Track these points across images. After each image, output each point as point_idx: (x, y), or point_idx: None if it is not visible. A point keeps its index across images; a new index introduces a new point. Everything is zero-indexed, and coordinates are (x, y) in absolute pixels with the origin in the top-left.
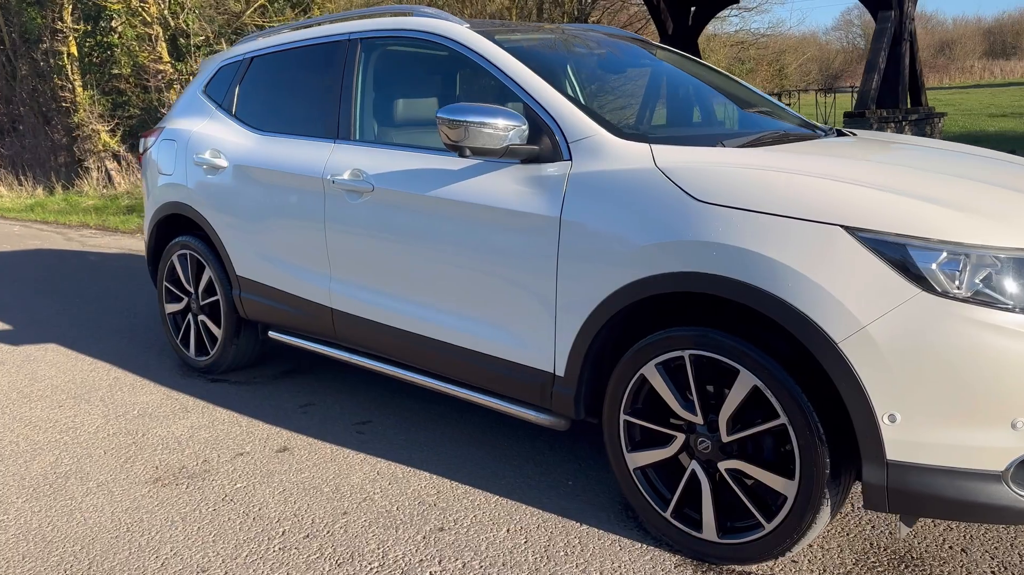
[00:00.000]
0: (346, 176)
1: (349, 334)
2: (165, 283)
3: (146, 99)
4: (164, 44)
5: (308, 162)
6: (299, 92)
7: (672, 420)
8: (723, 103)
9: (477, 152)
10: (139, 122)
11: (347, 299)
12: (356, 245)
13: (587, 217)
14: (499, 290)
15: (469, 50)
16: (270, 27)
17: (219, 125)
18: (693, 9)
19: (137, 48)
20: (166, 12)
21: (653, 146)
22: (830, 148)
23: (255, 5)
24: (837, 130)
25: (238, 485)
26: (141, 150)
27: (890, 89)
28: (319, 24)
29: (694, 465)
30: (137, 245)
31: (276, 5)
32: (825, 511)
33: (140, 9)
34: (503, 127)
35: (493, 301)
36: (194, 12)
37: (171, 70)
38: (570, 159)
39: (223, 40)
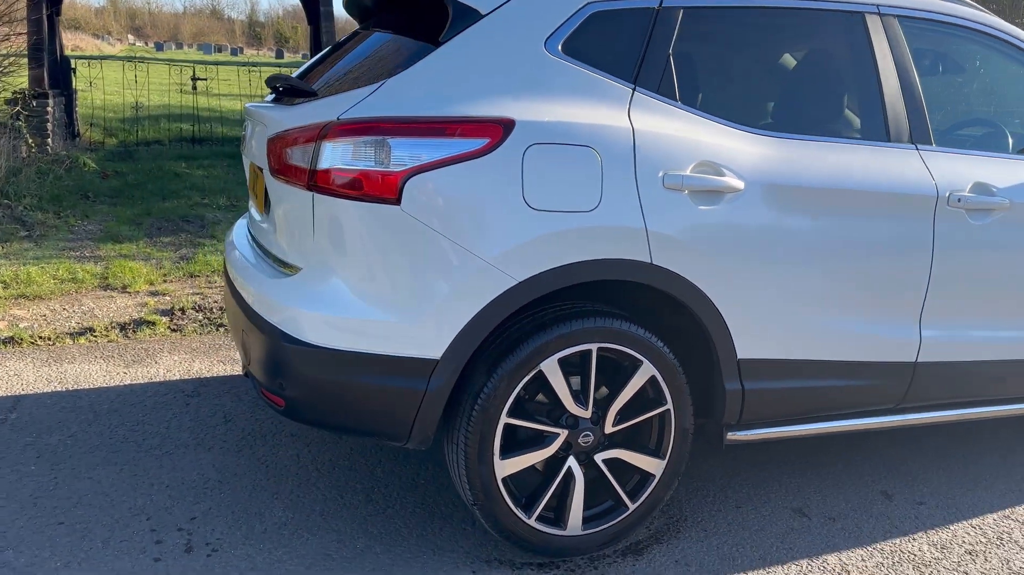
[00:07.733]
0: (968, 192)
1: (934, 388)
2: (507, 419)
3: None
4: None
5: (900, 177)
6: (809, 74)
7: None
8: None
9: None
10: None
11: (945, 345)
12: (973, 275)
13: None
14: None
15: None
16: None
17: (662, 119)
18: None
19: None
20: None
21: None
22: None
23: None
24: None
25: None
26: (383, 168)
27: None
28: None
29: None
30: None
31: None
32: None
33: None
34: None
35: None
36: None
37: None
38: None
39: None
